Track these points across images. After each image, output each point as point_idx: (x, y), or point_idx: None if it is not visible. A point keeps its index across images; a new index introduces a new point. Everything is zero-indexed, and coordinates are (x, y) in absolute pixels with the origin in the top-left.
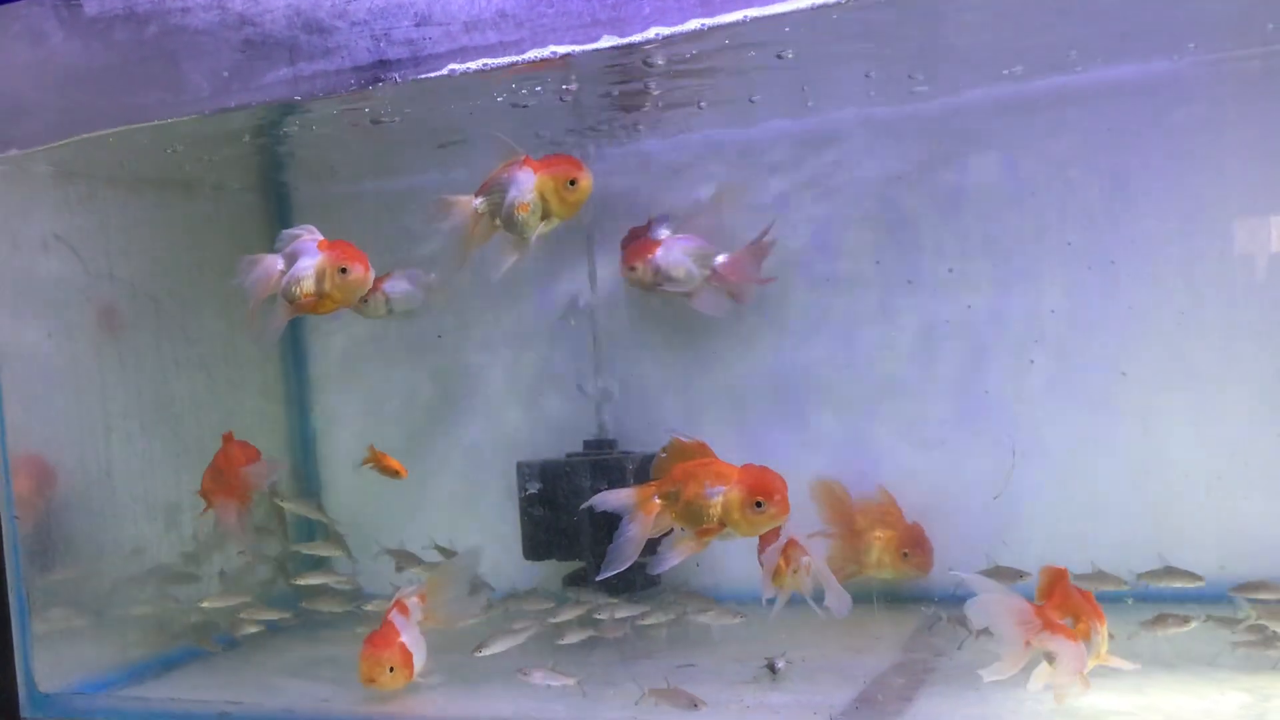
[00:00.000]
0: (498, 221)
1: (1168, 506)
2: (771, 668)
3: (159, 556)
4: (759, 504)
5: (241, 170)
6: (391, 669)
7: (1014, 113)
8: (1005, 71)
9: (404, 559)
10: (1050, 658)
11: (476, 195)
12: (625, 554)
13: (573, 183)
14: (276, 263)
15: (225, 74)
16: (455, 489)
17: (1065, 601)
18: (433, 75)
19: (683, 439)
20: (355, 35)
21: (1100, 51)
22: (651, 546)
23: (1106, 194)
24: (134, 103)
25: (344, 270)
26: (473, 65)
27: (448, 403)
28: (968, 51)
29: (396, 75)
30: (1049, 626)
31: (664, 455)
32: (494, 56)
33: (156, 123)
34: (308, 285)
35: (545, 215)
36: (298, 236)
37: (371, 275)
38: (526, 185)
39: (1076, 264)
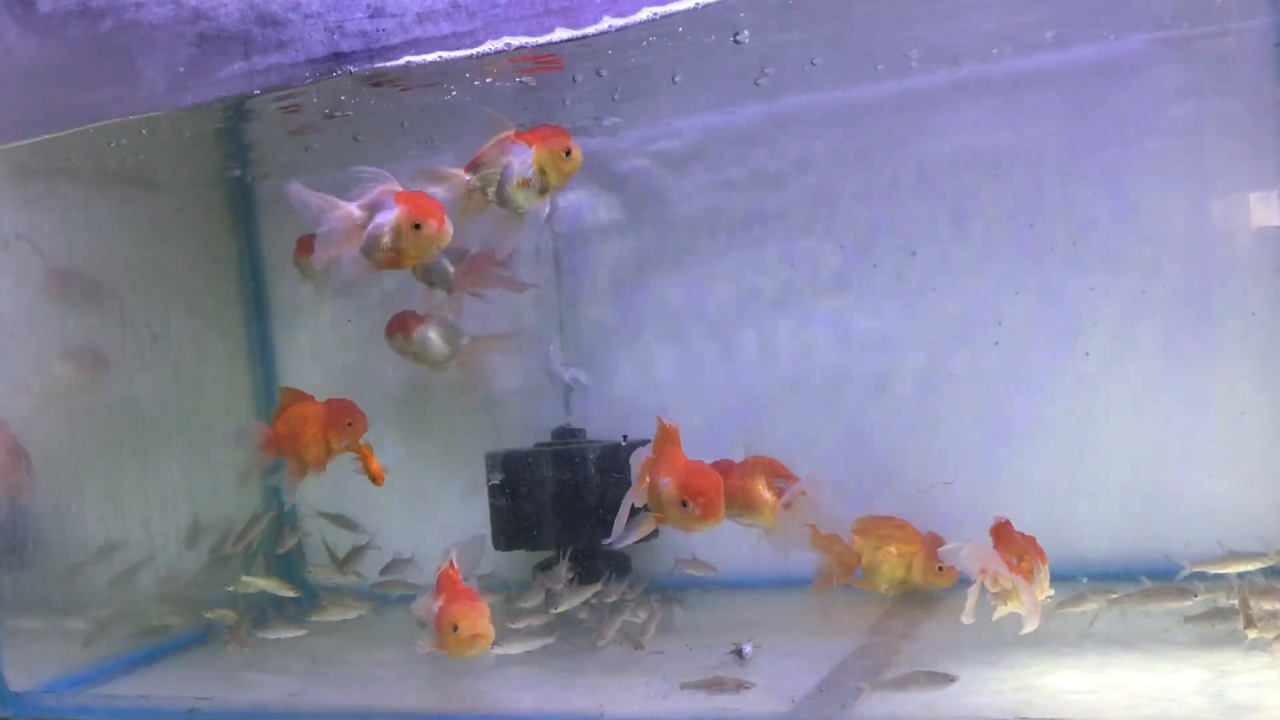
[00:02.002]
0: (490, 196)
1: (1129, 484)
2: (739, 653)
3: (129, 554)
4: (684, 503)
5: (204, 165)
6: (489, 621)
7: (973, 95)
8: (966, 55)
9: (340, 523)
10: (1003, 596)
11: (468, 170)
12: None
13: (568, 153)
14: (354, 211)
15: (180, 69)
16: (427, 480)
17: (1012, 545)
18: (388, 66)
19: (664, 421)
20: (309, 28)
21: (1059, 32)
22: None
23: (1066, 175)
24: (90, 100)
25: (417, 226)
26: (428, 57)
27: (418, 394)
28: (928, 36)
29: (351, 67)
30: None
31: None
32: (448, 49)
33: (115, 121)
34: (386, 241)
35: (543, 189)
36: (375, 177)
37: (449, 229)
38: (526, 160)
39: (1039, 245)
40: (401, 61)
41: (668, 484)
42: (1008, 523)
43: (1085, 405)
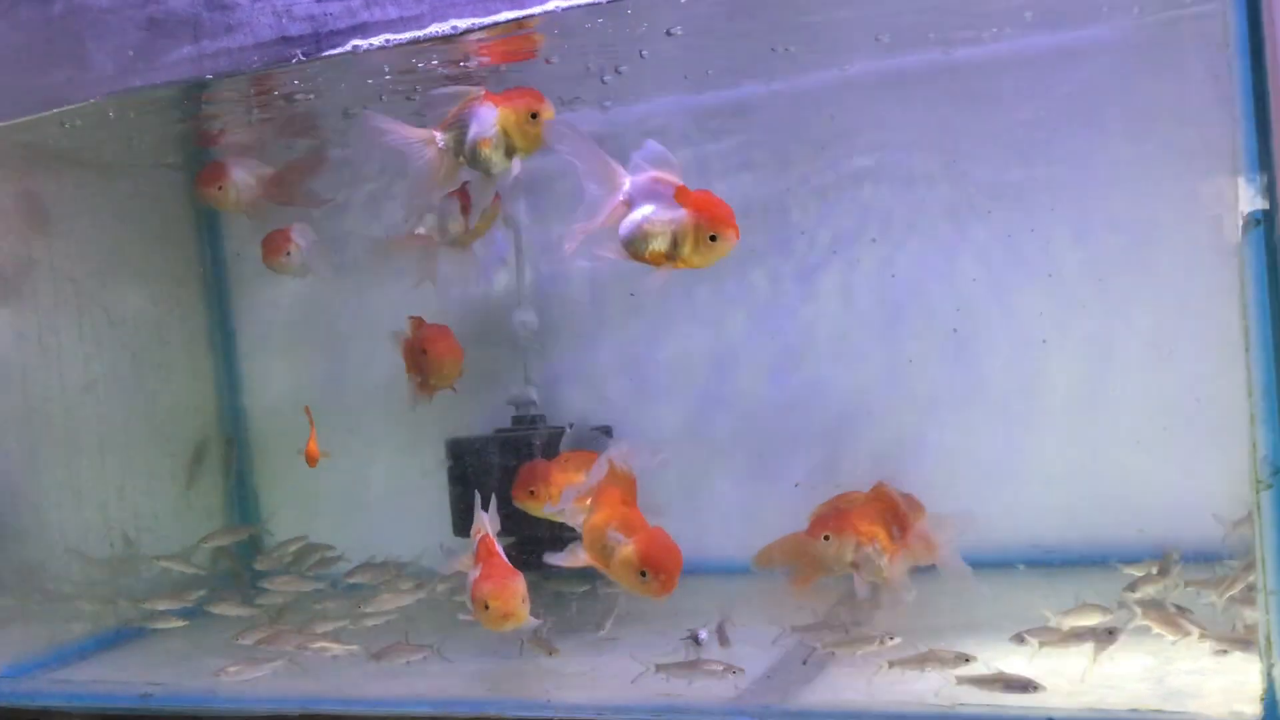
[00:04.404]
0: (462, 159)
1: (1086, 471)
2: (695, 639)
3: (86, 541)
4: (643, 574)
5: (165, 147)
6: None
7: (932, 82)
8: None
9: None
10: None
11: (438, 130)
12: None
13: (534, 116)
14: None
15: (130, 53)
16: (392, 466)
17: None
18: (336, 52)
19: (616, 466)
20: (257, 11)
21: (1015, 20)
22: None
23: (1025, 162)
24: (42, 84)
25: (713, 238)
26: (375, 41)
27: (384, 376)
28: (891, 23)
29: (300, 52)
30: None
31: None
32: (395, 32)
33: (68, 108)
34: (661, 245)
35: (509, 151)
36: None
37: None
38: (488, 120)
39: (997, 232)
40: (348, 46)
41: (624, 544)
42: (886, 489)
43: (1041, 392)
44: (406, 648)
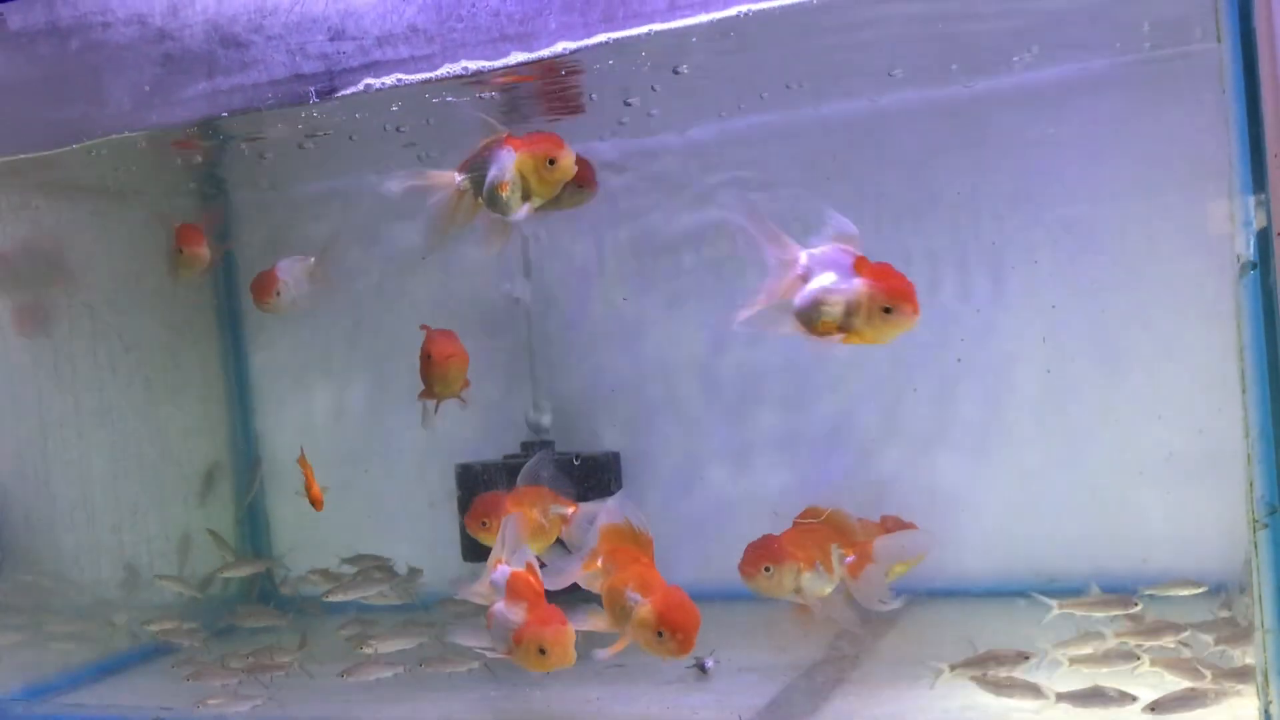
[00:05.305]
0: (480, 200)
1: (1087, 501)
2: (701, 667)
3: (100, 564)
4: (660, 634)
5: (178, 176)
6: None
7: (935, 114)
8: (932, 74)
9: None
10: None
11: (458, 171)
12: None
13: (552, 162)
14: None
15: (146, 88)
16: (400, 491)
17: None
18: (349, 91)
19: (635, 527)
20: (271, 49)
21: (1019, 55)
22: None
23: (1028, 194)
24: (59, 118)
25: (888, 310)
26: (387, 80)
27: (394, 402)
28: (887, 58)
29: (313, 89)
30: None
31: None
32: (407, 72)
33: (86, 144)
34: (835, 313)
35: (526, 195)
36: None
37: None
38: (507, 164)
39: (1000, 263)
40: (360, 85)
41: (642, 604)
42: (816, 509)
43: (1045, 422)
44: (377, 665)
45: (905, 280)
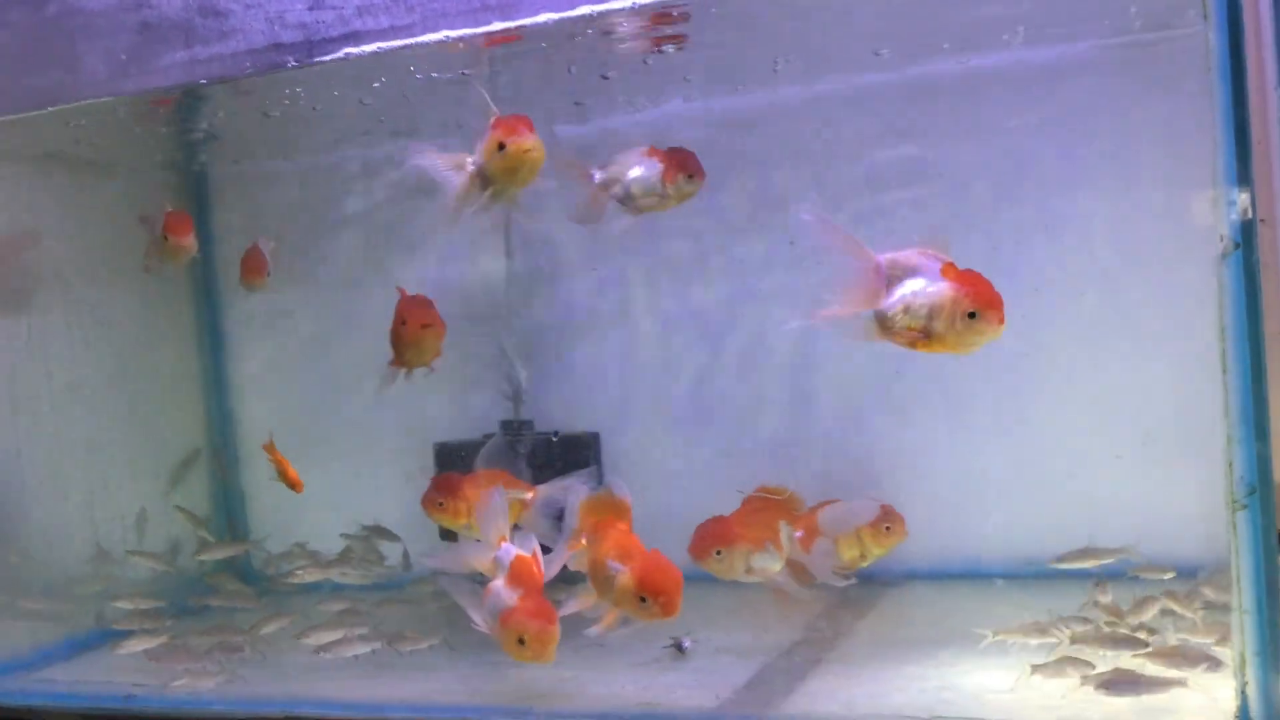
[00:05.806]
0: (489, 190)
1: (1063, 485)
2: (679, 647)
3: (71, 538)
4: (644, 599)
5: (156, 149)
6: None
7: (917, 97)
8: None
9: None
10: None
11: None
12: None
13: (501, 147)
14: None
15: (122, 56)
16: (379, 469)
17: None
18: (327, 59)
19: (615, 494)
20: (250, 18)
21: (1002, 37)
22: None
23: (1011, 177)
24: (34, 85)
25: (972, 315)
26: (366, 49)
27: (374, 380)
28: (874, 40)
29: (291, 59)
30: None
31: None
32: (386, 40)
33: (60, 108)
34: (920, 318)
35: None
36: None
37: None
38: (479, 148)
39: (983, 246)
40: (340, 54)
41: (622, 572)
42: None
43: (1024, 407)
44: (351, 643)
45: (992, 288)
